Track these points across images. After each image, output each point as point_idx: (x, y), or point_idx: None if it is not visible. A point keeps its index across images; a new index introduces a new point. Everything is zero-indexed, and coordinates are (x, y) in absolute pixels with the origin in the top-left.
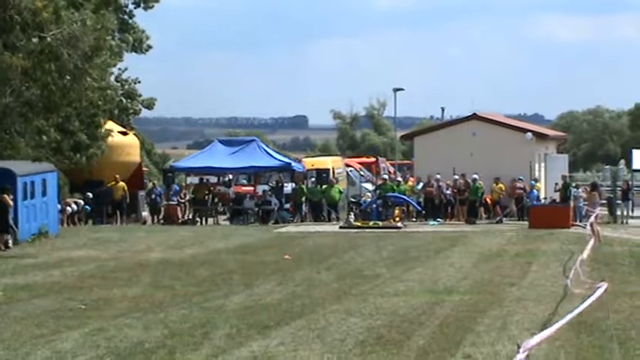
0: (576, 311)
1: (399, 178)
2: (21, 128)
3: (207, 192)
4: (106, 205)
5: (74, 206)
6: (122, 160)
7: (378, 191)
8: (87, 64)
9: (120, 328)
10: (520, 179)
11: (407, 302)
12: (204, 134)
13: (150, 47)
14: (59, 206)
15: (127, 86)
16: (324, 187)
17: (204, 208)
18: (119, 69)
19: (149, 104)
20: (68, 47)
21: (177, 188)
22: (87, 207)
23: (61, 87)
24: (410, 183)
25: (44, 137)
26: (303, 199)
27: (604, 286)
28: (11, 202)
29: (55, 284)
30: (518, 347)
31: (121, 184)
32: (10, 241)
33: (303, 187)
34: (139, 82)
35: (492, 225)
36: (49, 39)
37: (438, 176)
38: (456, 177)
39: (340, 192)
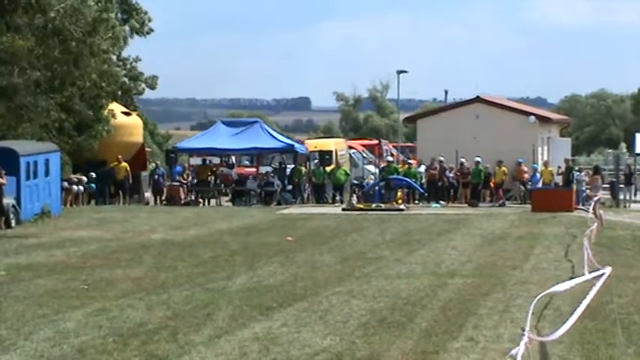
0: (588, 298)
1: (411, 161)
2: (29, 107)
3: (209, 173)
4: (109, 185)
5: (80, 187)
6: (125, 140)
7: (382, 173)
8: (89, 37)
9: (122, 308)
10: (520, 162)
11: (409, 285)
12: (207, 115)
13: (152, 30)
14: (65, 184)
15: (128, 65)
16: (330, 168)
17: (206, 189)
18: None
19: (152, 84)
20: (70, 21)
21: (180, 169)
22: (92, 185)
23: (65, 62)
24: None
25: (50, 116)
26: (303, 180)
27: (608, 270)
28: (4, 181)
29: (58, 264)
30: (522, 331)
31: (124, 164)
32: (13, 221)
33: (302, 168)
34: (140, 60)
35: (495, 208)
36: (52, 14)
37: (441, 158)
38: (463, 160)
39: (347, 174)
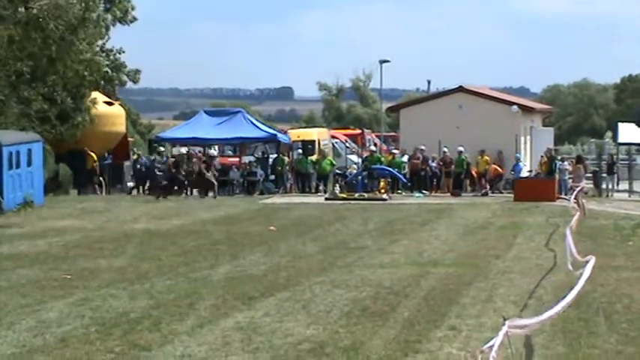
0: (576, 289)
1: (395, 150)
2: (9, 97)
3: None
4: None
5: None
6: (107, 130)
7: (364, 163)
8: (73, 35)
9: (105, 298)
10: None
11: (392, 274)
12: (190, 105)
13: (135, 19)
14: None
15: (112, 56)
16: (314, 158)
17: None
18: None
19: (134, 78)
20: (53, 18)
21: (165, 159)
22: None
23: (48, 56)
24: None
25: (32, 106)
26: (285, 169)
27: (593, 260)
28: None
29: (41, 254)
30: (504, 320)
31: (92, 154)
32: None
33: (284, 158)
34: (124, 52)
35: (478, 197)
36: (34, 10)
37: (423, 147)
38: (445, 150)
39: (332, 164)
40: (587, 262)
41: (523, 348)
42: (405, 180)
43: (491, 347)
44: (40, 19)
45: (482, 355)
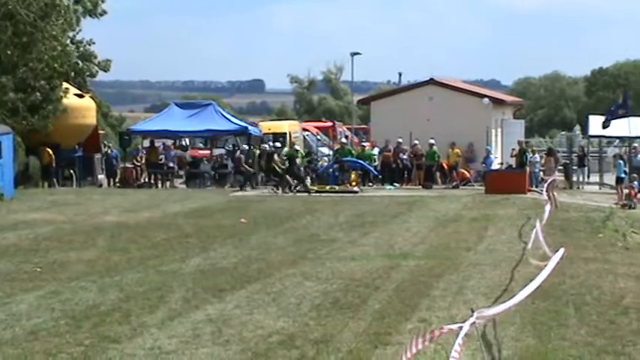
0: (539, 279)
1: (366, 144)
2: None
3: (160, 154)
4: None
5: None
6: (78, 122)
7: (336, 155)
8: (42, 22)
9: (75, 291)
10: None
11: (363, 266)
12: (162, 97)
13: (105, 12)
14: None
15: (81, 48)
16: (286, 150)
17: (160, 171)
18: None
19: (105, 66)
20: (24, 6)
21: (136, 151)
22: None
23: (18, 45)
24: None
25: (2, 97)
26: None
27: (561, 252)
28: None
29: (11, 247)
30: (472, 312)
31: (48, 150)
32: None
33: (255, 150)
34: (94, 43)
35: (449, 190)
36: None
37: (400, 140)
38: (416, 142)
39: (303, 157)
40: (555, 254)
41: (493, 340)
42: (375, 172)
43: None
44: (10, 7)
45: (449, 347)
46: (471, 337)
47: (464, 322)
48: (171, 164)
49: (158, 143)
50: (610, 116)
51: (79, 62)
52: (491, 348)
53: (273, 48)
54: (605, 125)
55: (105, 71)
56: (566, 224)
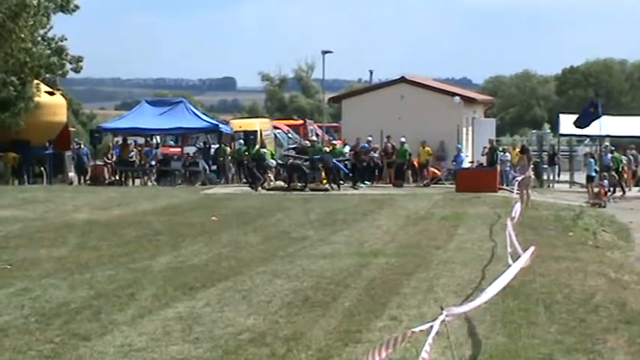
0: (506, 277)
1: (336, 142)
2: None
3: (131, 152)
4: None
5: None
6: (49, 120)
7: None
8: (13, 22)
9: (45, 288)
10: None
11: (333, 264)
12: (132, 95)
13: (77, 7)
14: None
15: (53, 44)
16: (256, 148)
17: (130, 169)
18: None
19: (77, 68)
20: None
21: (118, 150)
22: None
23: None
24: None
25: None
26: (227, 160)
27: (531, 250)
28: None
29: None
30: (442, 310)
31: (10, 154)
32: None
33: (226, 148)
34: (65, 39)
35: (420, 188)
36: None
37: (370, 138)
38: (386, 140)
39: (273, 155)
40: (524, 252)
41: (463, 338)
42: (346, 170)
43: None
44: None
45: (419, 345)
46: (441, 335)
47: (434, 320)
48: (153, 162)
49: (130, 141)
50: (587, 119)
51: (52, 57)
52: (461, 346)
53: (244, 46)
54: (581, 125)
55: (76, 71)
56: (537, 223)
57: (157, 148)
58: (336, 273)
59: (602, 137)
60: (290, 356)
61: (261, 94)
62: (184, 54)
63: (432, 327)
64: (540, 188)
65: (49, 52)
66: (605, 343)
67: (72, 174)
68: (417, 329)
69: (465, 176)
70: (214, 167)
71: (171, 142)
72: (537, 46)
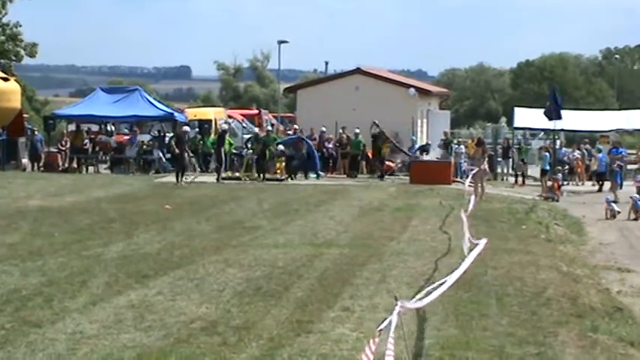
0: (461, 269)
1: (290, 132)
2: None
3: (84, 139)
4: None
5: None
6: (2, 106)
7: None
8: None
9: None
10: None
11: (286, 254)
12: (87, 82)
13: None
14: None
15: (8, 31)
16: (212, 137)
17: (84, 156)
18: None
19: (31, 52)
20: None
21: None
22: None
23: None
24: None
25: None
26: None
27: (483, 242)
28: None
29: None
30: (396, 299)
31: None
32: None
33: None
34: (20, 25)
35: (374, 179)
36: None
37: (324, 129)
38: (341, 131)
39: (230, 144)
40: (478, 244)
41: (415, 329)
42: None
43: (386, 328)
44: None
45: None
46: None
47: (390, 313)
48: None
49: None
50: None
51: (6, 43)
52: (413, 336)
53: (200, 35)
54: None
55: (31, 56)
56: (490, 215)
57: (110, 135)
58: (289, 263)
59: (555, 131)
60: (241, 345)
61: (217, 83)
62: (140, 42)
63: (390, 322)
64: (494, 181)
65: (3, 38)
66: (557, 337)
67: (25, 160)
68: (382, 326)
69: (420, 168)
70: (168, 155)
71: (126, 130)
72: (493, 39)
